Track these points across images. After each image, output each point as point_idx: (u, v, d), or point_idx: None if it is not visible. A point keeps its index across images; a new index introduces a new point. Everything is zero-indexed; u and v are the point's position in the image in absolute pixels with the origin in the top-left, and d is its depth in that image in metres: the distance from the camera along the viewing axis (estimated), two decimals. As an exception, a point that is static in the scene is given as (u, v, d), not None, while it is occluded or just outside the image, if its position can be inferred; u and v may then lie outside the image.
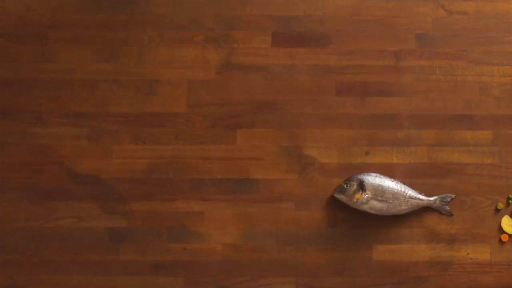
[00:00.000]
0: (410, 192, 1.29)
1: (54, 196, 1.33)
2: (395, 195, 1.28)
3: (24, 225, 1.32)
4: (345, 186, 1.28)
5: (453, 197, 1.31)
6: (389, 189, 1.28)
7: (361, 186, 1.27)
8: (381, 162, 1.33)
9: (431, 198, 1.31)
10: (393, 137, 1.34)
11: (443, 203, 1.31)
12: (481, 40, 1.34)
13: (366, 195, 1.27)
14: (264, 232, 1.33)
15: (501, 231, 1.32)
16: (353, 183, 1.28)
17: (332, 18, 1.35)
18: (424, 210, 1.33)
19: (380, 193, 1.28)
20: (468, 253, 1.33)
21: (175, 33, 1.35)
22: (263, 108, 1.34)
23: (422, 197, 1.30)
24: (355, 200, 1.27)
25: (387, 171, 1.33)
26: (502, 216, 1.33)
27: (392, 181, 1.29)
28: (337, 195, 1.28)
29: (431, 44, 1.34)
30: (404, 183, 1.31)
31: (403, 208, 1.29)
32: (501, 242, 1.32)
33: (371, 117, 1.34)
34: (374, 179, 1.28)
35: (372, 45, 1.35)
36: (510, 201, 1.32)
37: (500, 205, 1.31)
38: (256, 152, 1.34)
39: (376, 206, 1.28)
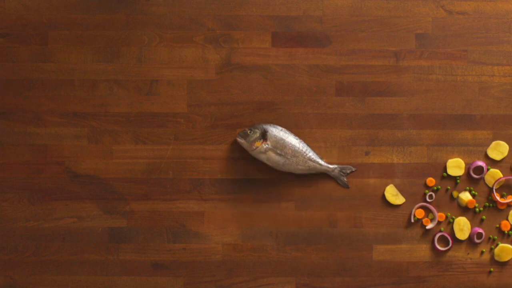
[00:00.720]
0: (311, 154, 1.29)
1: (54, 196, 1.33)
2: (295, 153, 1.28)
3: (24, 225, 1.32)
4: (248, 132, 1.28)
5: (354, 169, 1.31)
6: (290, 145, 1.28)
7: (263, 135, 1.26)
8: (381, 162, 1.33)
9: (331, 166, 1.30)
10: (393, 137, 1.34)
11: (341, 173, 1.31)
12: (481, 40, 1.34)
13: (266, 145, 1.26)
14: (264, 232, 1.33)
15: (386, 201, 1.32)
16: (256, 130, 1.27)
17: (332, 18, 1.35)
18: (427, 209, 1.33)
19: (281, 146, 1.27)
20: (468, 253, 1.33)
21: (175, 33, 1.35)
22: (263, 108, 1.34)
23: (321, 162, 1.30)
24: (254, 148, 1.27)
25: (387, 171, 1.33)
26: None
27: (296, 139, 1.29)
28: (238, 139, 1.28)
29: (431, 44, 1.34)
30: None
31: (300, 167, 1.29)
32: (423, 227, 1.32)
33: (371, 117, 1.34)
34: (278, 132, 1.28)
35: (372, 45, 1.35)
36: (445, 174, 1.31)
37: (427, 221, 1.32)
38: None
39: (273, 158, 1.28)
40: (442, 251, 1.31)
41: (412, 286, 1.32)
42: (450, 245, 1.30)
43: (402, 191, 1.33)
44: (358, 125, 1.34)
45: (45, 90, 1.34)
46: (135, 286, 1.32)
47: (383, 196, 1.33)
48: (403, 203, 1.32)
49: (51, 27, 1.35)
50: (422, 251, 1.32)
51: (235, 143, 1.32)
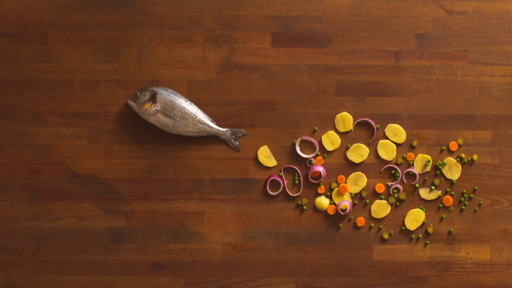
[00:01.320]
0: (201, 117, 1.30)
1: (54, 196, 1.33)
2: (184, 115, 1.28)
3: (24, 225, 1.32)
4: (138, 94, 1.29)
5: (245, 133, 1.32)
6: (179, 107, 1.29)
7: (153, 98, 1.27)
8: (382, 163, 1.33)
9: (222, 129, 1.31)
10: (393, 137, 1.34)
11: (233, 137, 1.31)
12: (481, 40, 1.34)
13: (155, 107, 1.27)
14: (264, 232, 1.33)
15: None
16: (146, 93, 1.28)
17: (332, 18, 1.35)
18: (427, 209, 1.33)
19: (170, 108, 1.28)
20: (468, 253, 1.33)
21: (175, 33, 1.35)
22: (263, 108, 1.34)
23: (211, 124, 1.30)
24: (144, 110, 1.28)
25: (388, 171, 1.33)
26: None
27: (186, 102, 1.30)
28: (129, 102, 1.29)
29: (431, 44, 1.34)
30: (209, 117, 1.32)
31: (190, 130, 1.29)
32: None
33: (371, 117, 1.34)
34: (168, 94, 1.29)
35: (372, 45, 1.35)
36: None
37: (430, 229, 1.32)
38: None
39: (162, 120, 1.29)
40: (273, 195, 1.32)
41: (412, 286, 1.32)
42: (282, 188, 1.31)
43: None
44: (358, 124, 1.34)
45: (45, 90, 1.34)
46: (135, 286, 1.32)
47: (383, 196, 1.33)
48: (274, 166, 1.33)
49: (51, 27, 1.35)
50: (422, 251, 1.32)
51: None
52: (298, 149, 1.31)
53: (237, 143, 1.32)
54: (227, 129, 1.32)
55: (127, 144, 1.33)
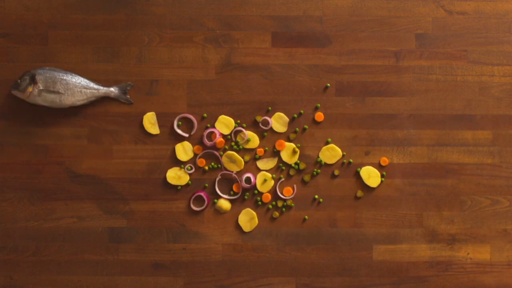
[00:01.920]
0: (84, 82, 1.30)
1: (54, 196, 1.33)
2: (67, 86, 1.28)
3: (24, 225, 1.32)
4: (18, 81, 1.28)
5: (133, 85, 1.32)
6: (60, 80, 1.28)
7: (33, 79, 1.27)
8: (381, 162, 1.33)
9: (109, 88, 1.32)
10: (393, 137, 1.34)
11: (122, 91, 1.32)
12: (481, 40, 1.34)
13: (37, 88, 1.27)
14: (264, 232, 1.33)
15: (386, 201, 1.32)
16: (25, 77, 1.28)
17: (332, 18, 1.35)
18: (427, 209, 1.33)
19: (52, 84, 1.28)
20: (468, 253, 1.33)
21: (175, 33, 1.35)
22: (263, 108, 1.34)
23: (97, 86, 1.31)
24: (28, 94, 1.28)
25: (387, 171, 1.33)
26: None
27: (66, 73, 1.29)
28: (13, 92, 1.28)
29: (431, 44, 1.34)
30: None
31: (78, 98, 1.29)
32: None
33: (371, 117, 1.34)
34: (46, 72, 1.28)
35: (372, 45, 1.35)
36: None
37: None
38: (257, 152, 1.34)
39: (48, 97, 1.28)
40: (197, 210, 1.31)
41: (412, 286, 1.32)
42: (206, 203, 1.31)
43: (401, 190, 1.33)
44: (358, 125, 1.34)
45: (45, 90, 1.34)
46: (135, 286, 1.32)
47: (383, 196, 1.33)
48: (157, 134, 1.32)
49: (51, 27, 1.34)
50: (422, 251, 1.32)
51: None
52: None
53: (128, 96, 1.32)
54: (114, 87, 1.32)
55: (127, 144, 1.33)
